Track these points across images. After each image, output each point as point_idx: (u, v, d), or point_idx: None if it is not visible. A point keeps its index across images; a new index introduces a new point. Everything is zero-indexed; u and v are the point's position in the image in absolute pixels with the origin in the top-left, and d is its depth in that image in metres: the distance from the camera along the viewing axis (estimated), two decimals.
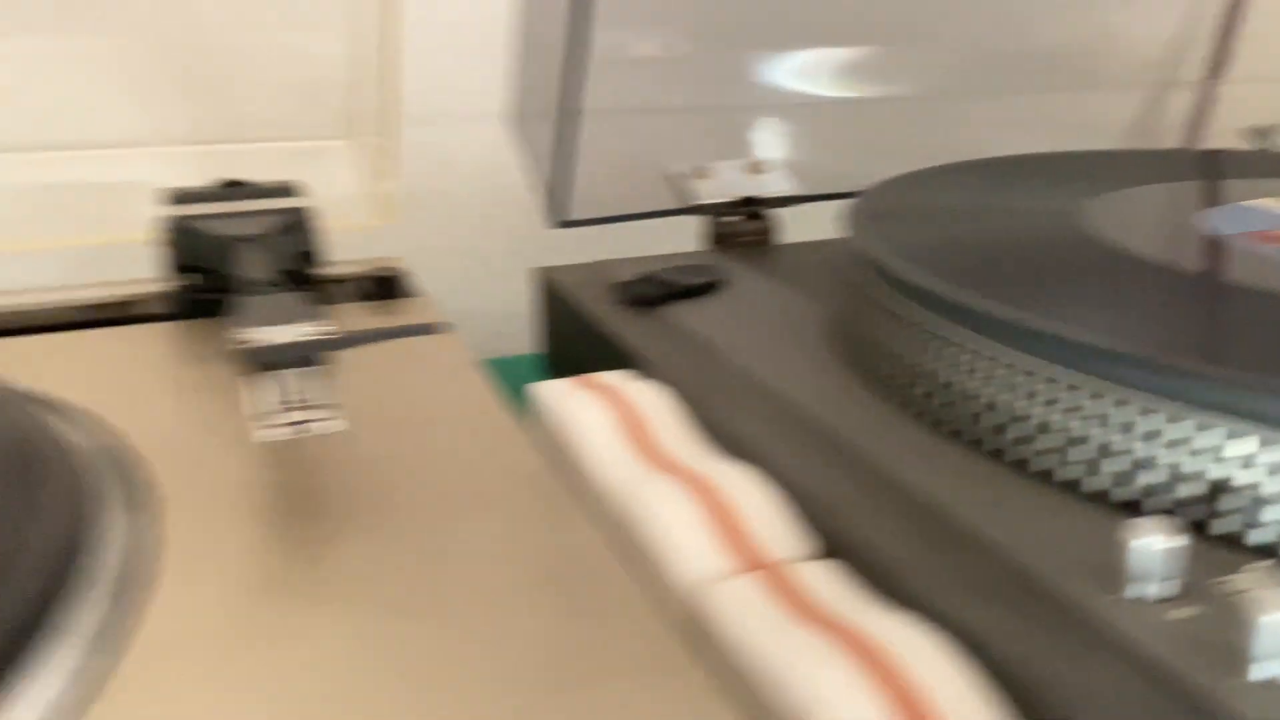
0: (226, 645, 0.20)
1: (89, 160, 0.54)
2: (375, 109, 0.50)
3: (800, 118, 0.54)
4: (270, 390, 0.24)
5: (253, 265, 0.33)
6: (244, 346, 0.24)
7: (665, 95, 0.50)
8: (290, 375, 0.24)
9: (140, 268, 0.55)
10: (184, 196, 0.40)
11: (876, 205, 0.38)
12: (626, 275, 0.41)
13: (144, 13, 0.53)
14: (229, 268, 0.37)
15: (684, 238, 0.49)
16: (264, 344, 0.24)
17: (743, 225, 0.47)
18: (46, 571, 0.20)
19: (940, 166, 0.43)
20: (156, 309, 0.40)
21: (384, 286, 0.41)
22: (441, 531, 0.24)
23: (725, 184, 0.47)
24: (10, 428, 0.25)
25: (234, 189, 0.42)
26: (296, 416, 0.24)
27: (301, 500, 0.26)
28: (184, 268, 0.39)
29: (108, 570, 0.22)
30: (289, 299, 0.27)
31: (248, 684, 0.19)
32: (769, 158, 0.50)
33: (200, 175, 0.52)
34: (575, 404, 0.30)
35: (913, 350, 0.28)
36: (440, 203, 0.60)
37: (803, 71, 0.54)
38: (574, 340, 0.41)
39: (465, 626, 0.21)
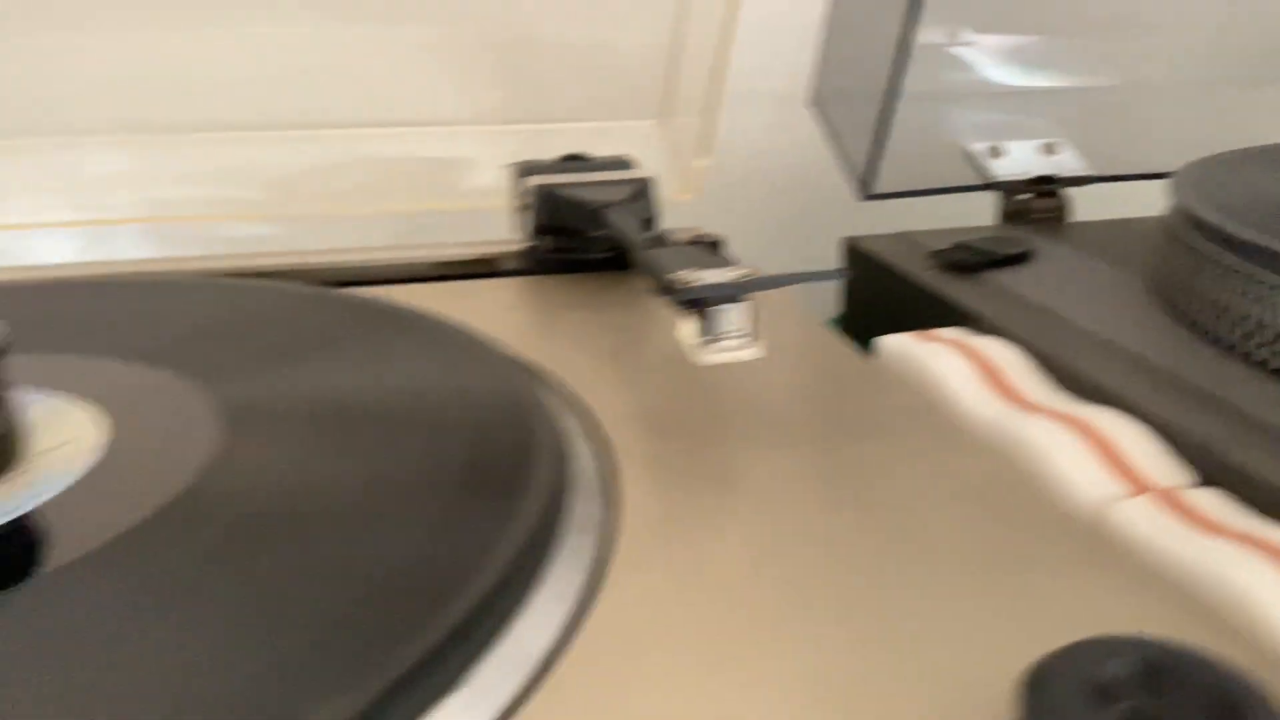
0: (687, 537, 0.24)
1: (416, 136, 0.61)
2: (685, 89, 0.54)
3: (1084, 102, 0.55)
4: (703, 322, 0.28)
5: (628, 226, 0.38)
6: (683, 285, 0.28)
7: (962, 77, 0.52)
8: (721, 309, 0.28)
9: (460, 233, 0.62)
10: (536, 168, 0.45)
11: (1199, 176, 0.39)
12: (930, 245, 0.44)
13: (471, 2, 0.59)
14: (590, 229, 0.42)
15: (936, 216, 0.52)
16: (700, 284, 0.28)
17: (1035, 203, 0.49)
18: (553, 483, 0.25)
19: (1258, 148, 0.44)
20: (509, 266, 0.45)
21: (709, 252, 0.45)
22: (852, 453, 0.28)
23: (1021, 163, 0.49)
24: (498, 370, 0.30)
25: (576, 161, 0.46)
26: (727, 344, 0.28)
27: (723, 420, 0.30)
28: (544, 230, 0.43)
29: (591, 481, 0.26)
30: (693, 250, 0.31)
31: (706, 573, 0.23)
32: (1060, 139, 0.51)
33: (517, 153, 0.57)
34: (928, 353, 0.33)
35: (1244, 301, 0.31)
36: (721, 177, 0.64)
37: (1084, 57, 0.56)
38: (883, 303, 0.44)
39: (893, 527, 0.24)
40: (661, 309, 0.40)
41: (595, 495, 0.26)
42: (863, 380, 0.33)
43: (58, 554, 0.22)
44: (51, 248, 0.57)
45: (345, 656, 0.18)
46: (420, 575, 0.20)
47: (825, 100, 0.51)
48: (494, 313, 0.39)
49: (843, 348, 0.35)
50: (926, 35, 0.53)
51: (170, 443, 0.27)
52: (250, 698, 0.17)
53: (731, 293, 0.28)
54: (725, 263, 0.30)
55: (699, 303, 0.28)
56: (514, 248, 0.47)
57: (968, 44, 0.54)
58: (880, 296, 0.44)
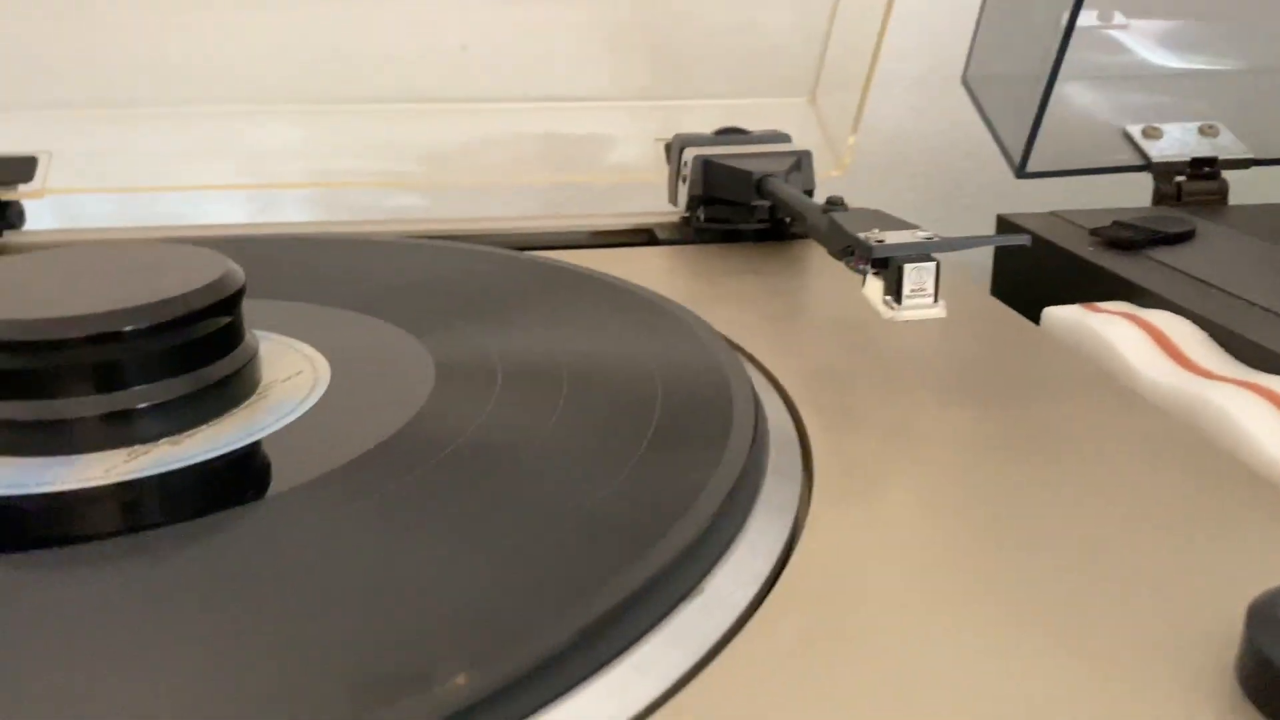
0: (878, 488, 0.25)
1: (566, 112, 0.62)
2: (836, 68, 0.55)
3: (1241, 84, 0.54)
4: (892, 281, 0.29)
5: (796, 193, 0.39)
6: (876, 245, 0.29)
7: (1117, 59, 0.52)
8: (911, 268, 0.28)
9: (605, 206, 0.63)
10: (693, 140, 0.47)
11: None
12: (1081, 223, 0.44)
13: None
14: (750, 199, 0.43)
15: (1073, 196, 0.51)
16: (891, 243, 0.29)
17: (1191, 185, 0.49)
18: (752, 434, 0.26)
19: None
20: (665, 236, 0.47)
21: None
22: (1031, 413, 0.29)
23: (1178, 144, 0.49)
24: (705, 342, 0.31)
25: (733, 134, 0.48)
26: (915, 302, 0.28)
27: (898, 380, 0.31)
28: (702, 200, 0.45)
29: (782, 432, 0.27)
30: (873, 214, 0.32)
31: (901, 522, 0.24)
32: (1216, 121, 0.51)
33: (663, 128, 0.58)
34: (1099, 323, 0.34)
35: None
36: (862, 158, 0.64)
37: (1241, 39, 0.55)
38: (1036, 278, 0.44)
39: (1085, 481, 0.25)
40: (820, 275, 0.41)
41: (787, 445, 0.27)
42: (1032, 346, 0.33)
43: (295, 473, 0.23)
44: (224, 210, 0.61)
45: (560, 586, 0.19)
46: (626, 516, 0.21)
47: (979, 79, 0.51)
48: (655, 278, 0.41)
49: (1011, 314, 0.36)
50: (1082, 17, 0.53)
51: (385, 382, 0.29)
52: (463, 616, 0.18)
53: (924, 251, 0.29)
54: (907, 225, 0.30)
55: (886, 262, 0.29)
56: (668, 218, 0.48)
57: (1123, 26, 0.54)
58: (1032, 271, 0.44)
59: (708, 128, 0.51)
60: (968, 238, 0.30)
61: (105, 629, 0.18)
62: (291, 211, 0.61)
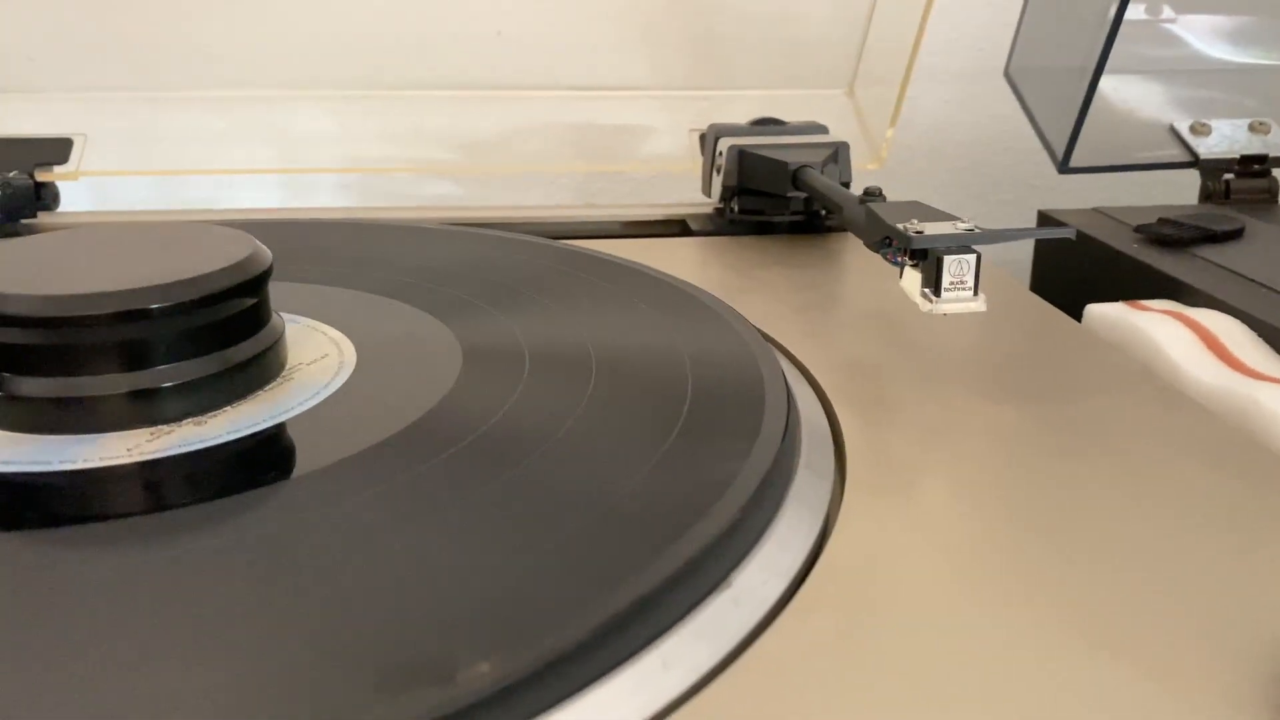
0: (911, 481, 0.25)
1: (602, 101, 0.62)
2: (875, 60, 0.54)
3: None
4: (932, 273, 0.28)
5: (833, 183, 0.38)
6: (915, 236, 0.28)
7: (1165, 53, 0.51)
8: (952, 260, 0.28)
9: (639, 195, 0.62)
10: (729, 130, 0.46)
11: None
12: (1124, 220, 0.43)
13: None
14: (785, 190, 0.42)
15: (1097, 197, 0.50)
16: (930, 234, 0.28)
17: (1239, 183, 0.48)
18: (784, 426, 0.25)
19: None
20: (698, 227, 0.46)
21: None
22: (1071, 409, 0.28)
23: (1228, 141, 0.48)
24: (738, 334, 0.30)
25: (769, 125, 0.47)
26: (956, 295, 0.28)
27: (932, 373, 0.30)
28: (736, 191, 0.44)
29: (814, 423, 0.27)
30: (913, 205, 0.31)
31: (934, 516, 0.24)
32: (1267, 119, 0.50)
33: (699, 119, 0.58)
34: (1144, 321, 0.33)
35: None
36: (900, 151, 0.63)
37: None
38: (1077, 274, 0.43)
39: (1127, 479, 0.24)
40: (855, 268, 0.40)
41: (820, 438, 0.26)
42: (1074, 343, 0.32)
43: (319, 456, 0.23)
44: (257, 195, 0.61)
45: (585, 578, 0.18)
46: (654, 507, 0.21)
47: (1023, 72, 0.50)
48: (687, 269, 0.40)
49: (1052, 311, 0.35)
50: (1129, 11, 0.51)
51: (411, 367, 0.28)
52: (486, 605, 0.18)
53: (964, 243, 0.28)
54: (948, 217, 0.30)
55: (927, 254, 0.28)
56: (702, 209, 0.48)
57: (1171, 20, 0.52)
58: (1074, 267, 0.43)
59: (744, 119, 0.50)
60: (1010, 230, 0.29)
61: (124, 607, 0.18)
62: (325, 197, 0.61)
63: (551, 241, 0.39)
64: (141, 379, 0.24)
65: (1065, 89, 0.46)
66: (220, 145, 0.59)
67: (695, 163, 0.52)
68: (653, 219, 0.48)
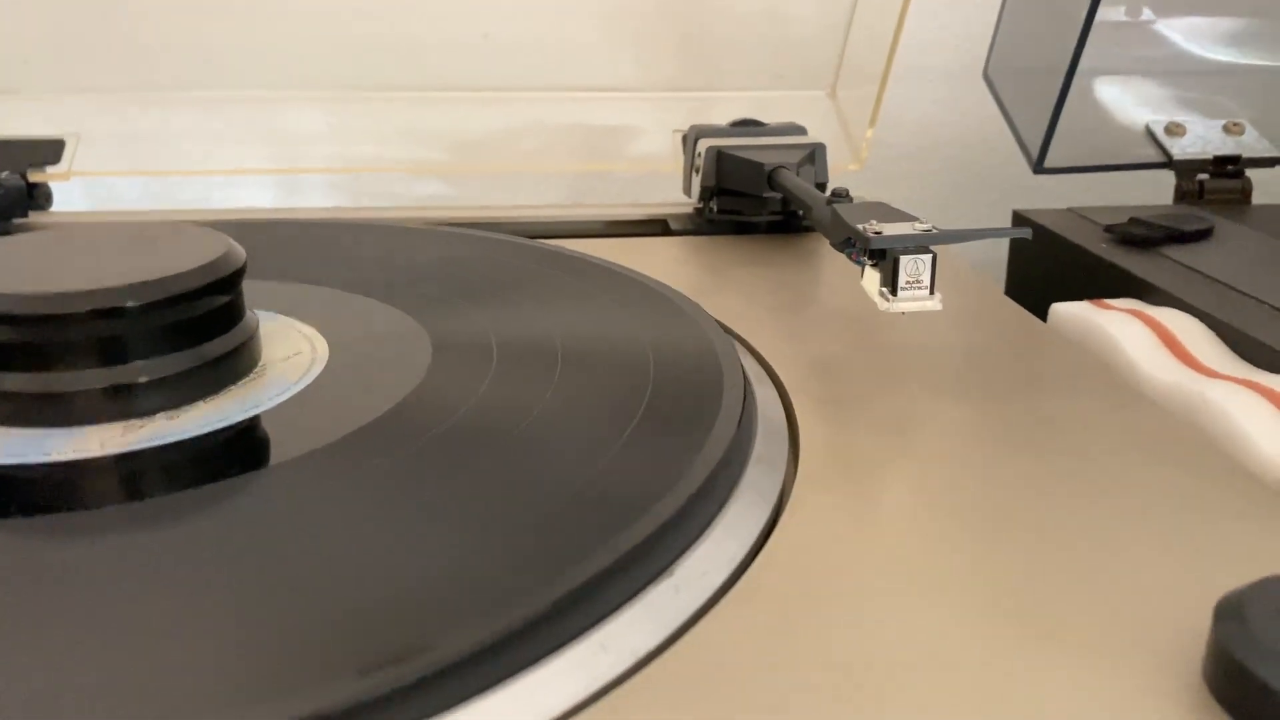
0: (863, 476, 0.25)
1: (589, 102, 0.63)
2: (855, 61, 0.55)
3: (1267, 82, 0.53)
4: (889, 273, 0.29)
5: (804, 184, 0.39)
6: (871, 236, 0.29)
7: (1139, 54, 0.52)
8: (908, 260, 0.28)
9: (625, 196, 0.63)
10: (708, 131, 0.47)
11: None
12: (1096, 220, 0.44)
13: None
14: (761, 191, 0.43)
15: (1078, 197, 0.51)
16: (888, 235, 0.29)
17: (1213, 183, 0.48)
18: (738, 419, 0.26)
19: None
20: (678, 226, 0.47)
21: None
22: (1027, 407, 0.28)
23: (1201, 142, 0.48)
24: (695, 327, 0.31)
25: (749, 126, 0.48)
26: (912, 294, 0.28)
27: (894, 372, 0.31)
28: (715, 191, 0.45)
29: (770, 419, 0.27)
30: (876, 206, 0.32)
31: (882, 509, 0.24)
32: (1241, 119, 0.50)
33: (686, 120, 0.58)
34: (1105, 320, 0.34)
35: None
36: (883, 151, 0.64)
37: (1267, 36, 0.54)
38: (1050, 273, 0.44)
39: (1074, 475, 0.25)
40: (830, 268, 0.41)
41: (775, 433, 0.27)
42: (1036, 341, 0.33)
43: (288, 448, 0.24)
44: (250, 195, 0.61)
45: (535, 561, 0.19)
46: (606, 496, 0.22)
47: (1000, 73, 0.50)
48: (665, 267, 0.41)
49: (1015, 308, 0.36)
50: (1106, 12, 0.52)
51: (382, 362, 0.29)
52: (440, 587, 0.19)
53: (920, 244, 0.29)
54: (908, 218, 0.30)
55: (885, 254, 0.29)
56: (683, 209, 0.48)
57: (1149, 21, 0.53)
58: (1046, 267, 0.44)
59: (730, 120, 0.51)
60: (966, 230, 0.30)
61: (100, 593, 0.18)
62: (317, 197, 0.62)
63: (529, 241, 0.40)
64: (117, 374, 0.24)
65: (1041, 89, 0.47)
66: (213, 145, 0.60)
67: (679, 163, 0.53)
68: (634, 219, 0.48)
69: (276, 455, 0.24)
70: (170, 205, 0.60)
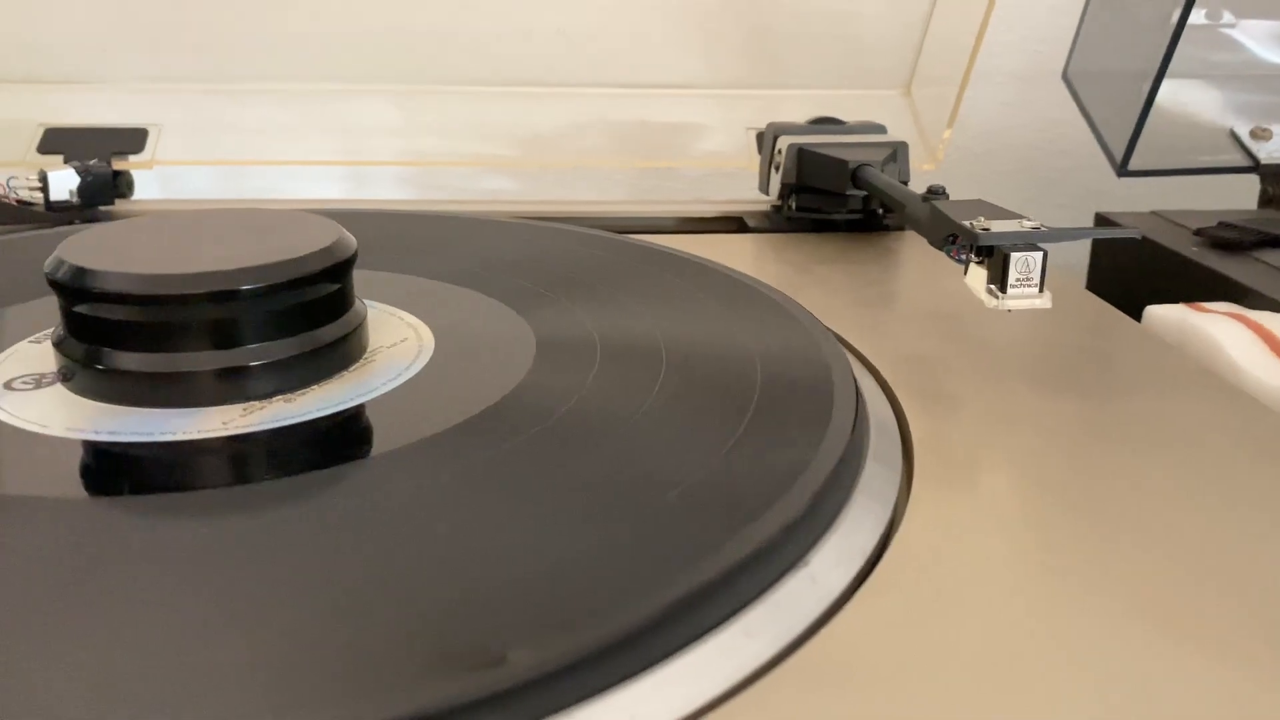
0: (979, 472, 0.25)
1: (657, 98, 0.63)
2: (933, 61, 0.54)
3: None
4: (998, 270, 0.28)
5: (894, 182, 0.39)
6: (979, 233, 0.29)
7: (1225, 58, 0.51)
8: (1019, 257, 0.28)
9: (691, 192, 0.63)
10: (788, 129, 0.47)
11: None
12: (1183, 223, 0.43)
13: None
14: (844, 189, 0.43)
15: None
16: (997, 231, 0.29)
17: None
18: (853, 418, 0.26)
19: None
20: (754, 223, 0.47)
21: None
22: (1131, 405, 0.28)
23: None
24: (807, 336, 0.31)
25: (828, 124, 0.47)
26: (1022, 292, 0.28)
27: (993, 368, 0.30)
28: (795, 189, 0.45)
29: (881, 416, 0.27)
30: (976, 203, 0.32)
31: (1003, 505, 0.24)
32: None
33: (753, 118, 0.58)
34: (1206, 322, 0.33)
35: None
36: (955, 152, 0.64)
37: None
38: (1135, 276, 0.43)
39: (1193, 474, 0.25)
40: (913, 265, 0.41)
41: (886, 428, 0.27)
42: (1134, 342, 0.33)
43: (396, 436, 0.24)
44: (316, 187, 0.62)
45: (668, 550, 0.19)
46: (732, 489, 0.22)
47: (1081, 76, 0.50)
48: (746, 265, 0.40)
49: (1112, 310, 0.35)
50: (1191, 16, 0.51)
51: (487, 353, 0.29)
52: (571, 575, 0.19)
53: (1030, 241, 0.29)
54: (1012, 215, 0.30)
55: (993, 251, 0.29)
56: (758, 206, 0.48)
57: (1231, 25, 0.52)
58: (1131, 269, 0.44)
59: (799, 118, 0.51)
60: (1076, 229, 0.29)
61: (213, 570, 0.19)
62: (384, 189, 0.63)
63: (623, 237, 0.40)
64: (236, 356, 0.25)
65: (1124, 92, 0.46)
66: (286, 137, 0.61)
67: (749, 160, 0.53)
68: (709, 215, 0.48)
69: (388, 442, 0.24)
70: (241, 195, 0.61)
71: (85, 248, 0.25)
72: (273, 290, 0.25)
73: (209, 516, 0.21)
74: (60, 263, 0.25)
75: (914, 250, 0.42)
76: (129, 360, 0.24)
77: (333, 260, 0.26)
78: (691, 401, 0.26)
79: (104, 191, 0.46)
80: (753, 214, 0.48)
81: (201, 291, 0.24)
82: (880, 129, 0.46)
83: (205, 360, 0.24)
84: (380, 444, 0.24)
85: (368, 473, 0.23)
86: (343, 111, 0.60)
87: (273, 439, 0.24)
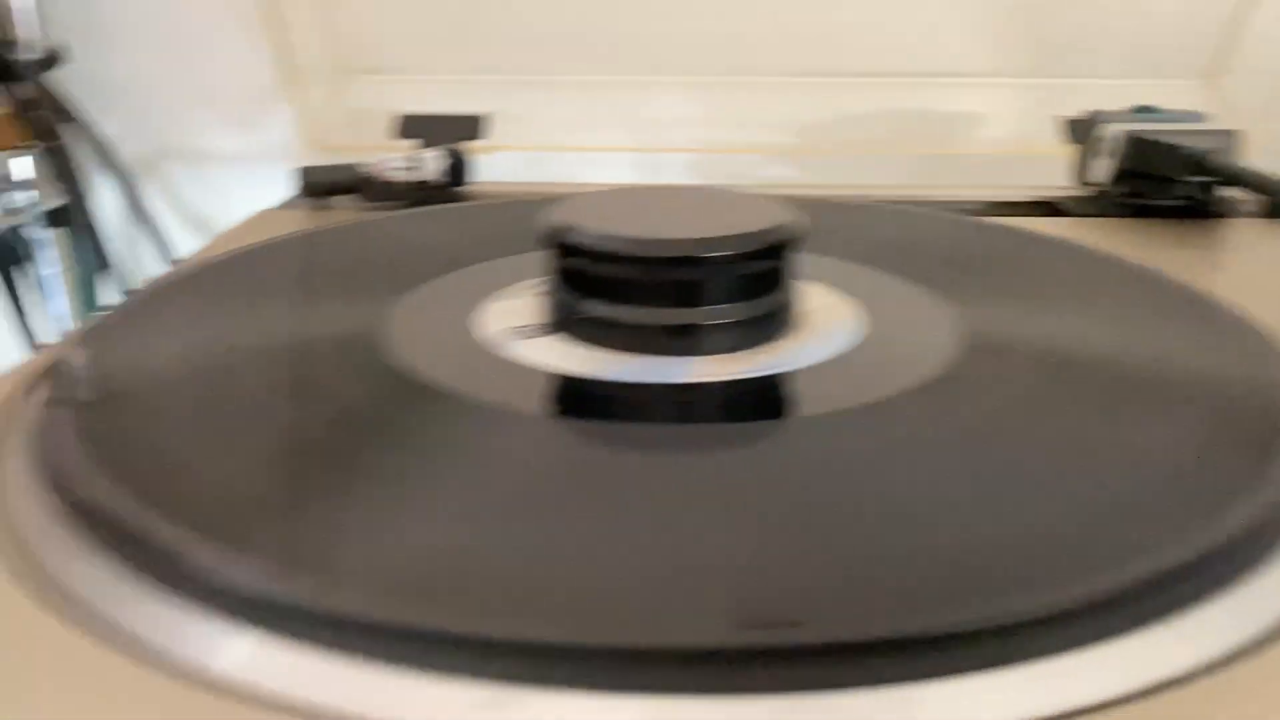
0: None
1: (943, 88, 0.64)
2: (1241, 49, 0.55)
3: None
4: None
5: (1251, 171, 0.40)
6: None
7: None
8: None
9: (963, 178, 0.64)
10: (1114, 117, 0.47)
11: None
12: None
13: None
14: (1179, 175, 0.44)
15: None
16: None
17: None
18: None
19: None
20: (1072, 209, 0.48)
21: None
22: None
23: None
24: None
25: (1148, 112, 0.48)
26: None
27: None
28: (1125, 175, 0.46)
29: None
30: None
31: None
32: None
33: (1038, 107, 0.59)
34: None
35: None
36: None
37: None
38: None
39: None
40: (1252, 253, 0.41)
41: None
42: None
43: (825, 401, 0.26)
44: (609, 174, 0.66)
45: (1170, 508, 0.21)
46: (1183, 486, 0.22)
47: None
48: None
49: None
50: None
51: (917, 337, 0.30)
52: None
53: None
54: None
55: None
56: (1056, 193, 0.49)
57: None
58: None
59: (1091, 107, 0.51)
60: None
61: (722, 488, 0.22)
62: (673, 176, 0.66)
63: (1062, 239, 0.39)
64: (736, 310, 0.28)
65: None
66: (586, 127, 0.65)
67: (1047, 147, 0.54)
68: (1022, 200, 0.50)
69: (813, 404, 0.26)
70: (543, 179, 0.65)
71: (588, 216, 0.29)
72: (755, 255, 0.28)
73: (701, 450, 0.24)
74: (596, 233, 0.28)
75: (1250, 237, 0.43)
76: (643, 315, 0.28)
77: (801, 232, 0.29)
78: (1133, 401, 0.26)
79: (459, 174, 0.50)
80: (1068, 200, 0.49)
81: (724, 253, 0.27)
82: (1199, 117, 0.47)
83: (710, 314, 0.28)
84: (829, 403, 0.26)
85: (820, 427, 0.25)
86: (641, 102, 0.64)
87: (765, 385, 0.27)
